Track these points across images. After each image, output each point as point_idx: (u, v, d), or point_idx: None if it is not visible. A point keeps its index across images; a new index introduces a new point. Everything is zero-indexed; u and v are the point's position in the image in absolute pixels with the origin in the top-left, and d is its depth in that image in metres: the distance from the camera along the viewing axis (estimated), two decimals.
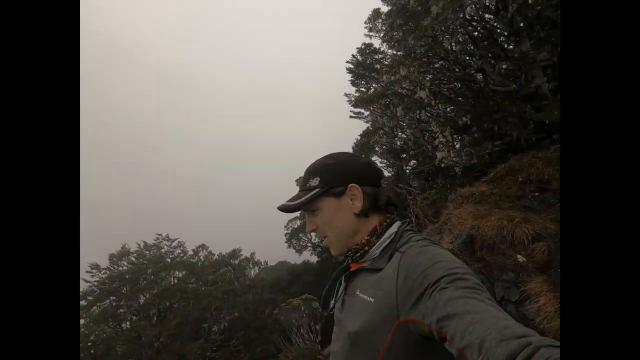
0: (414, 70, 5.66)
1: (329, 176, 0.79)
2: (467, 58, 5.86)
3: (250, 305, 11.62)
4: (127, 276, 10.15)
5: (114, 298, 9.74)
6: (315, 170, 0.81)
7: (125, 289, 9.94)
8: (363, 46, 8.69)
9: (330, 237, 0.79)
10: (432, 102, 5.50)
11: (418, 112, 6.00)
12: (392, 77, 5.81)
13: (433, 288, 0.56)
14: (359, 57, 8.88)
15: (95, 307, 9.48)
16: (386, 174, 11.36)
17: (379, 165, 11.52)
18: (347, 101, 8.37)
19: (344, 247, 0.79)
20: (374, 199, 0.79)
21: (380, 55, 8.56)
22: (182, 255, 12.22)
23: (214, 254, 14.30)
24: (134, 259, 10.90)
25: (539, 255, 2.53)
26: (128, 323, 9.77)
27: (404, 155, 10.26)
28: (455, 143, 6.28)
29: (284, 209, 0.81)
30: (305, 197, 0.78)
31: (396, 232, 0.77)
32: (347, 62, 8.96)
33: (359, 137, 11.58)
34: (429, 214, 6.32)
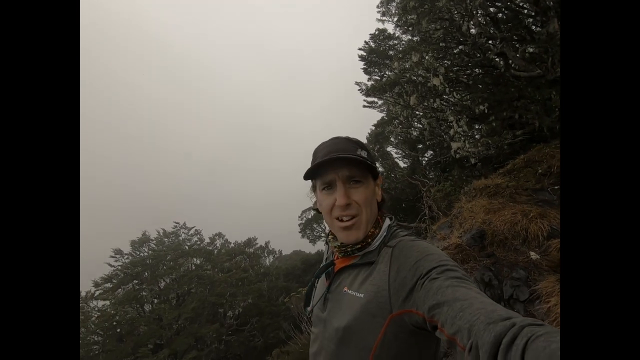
0: (430, 57, 5.37)
1: (371, 157, 0.75)
2: (488, 42, 5.48)
3: (264, 292, 11.94)
4: (148, 261, 10.68)
5: (137, 282, 10.30)
6: (361, 144, 0.75)
7: (146, 273, 10.48)
8: (376, 32, 8.35)
9: (363, 217, 0.71)
10: (447, 90, 5.22)
11: (432, 100, 5.73)
12: (405, 64, 5.56)
13: (424, 279, 0.56)
14: (371, 43, 8.56)
15: (120, 290, 10.07)
16: (401, 164, 11.09)
17: (394, 156, 11.29)
18: (359, 90, 8.15)
19: (366, 233, 0.72)
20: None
21: (395, 41, 8.21)
22: (199, 243, 12.67)
23: (230, 242, 14.74)
24: (154, 246, 11.43)
25: (554, 252, 2.37)
26: (150, 305, 10.34)
27: (420, 146, 9.94)
28: (472, 133, 5.98)
29: (343, 156, 0.68)
30: (369, 161, 0.72)
31: (389, 225, 0.77)
32: (360, 49, 8.67)
33: (373, 127, 11.32)
34: (442, 206, 6.11)
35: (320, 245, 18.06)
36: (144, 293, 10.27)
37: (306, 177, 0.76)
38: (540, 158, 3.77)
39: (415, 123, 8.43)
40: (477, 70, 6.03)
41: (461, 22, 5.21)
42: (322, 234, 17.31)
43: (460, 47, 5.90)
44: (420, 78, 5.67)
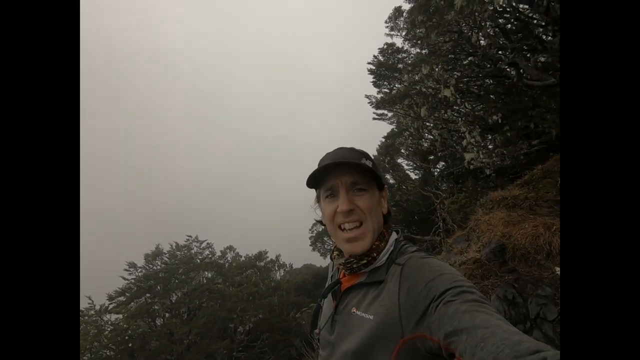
0: (439, 69, 5.39)
1: (377, 168, 0.74)
2: (499, 52, 5.46)
3: (275, 307, 11.75)
4: (160, 275, 10.75)
5: (149, 295, 10.35)
6: (365, 154, 0.74)
7: (159, 287, 10.53)
8: (385, 46, 8.48)
9: (368, 225, 0.69)
10: (458, 101, 5.19)
11: (443, 111, 5.69)
12: (415, 77, 5.58)
13: (438, 301, 0.52)
14: (380, 57, 8.68)
15: (132, 303, 10.13)
16: (413, 176, 10.96)
17: (405, 167, 11.18)
18: (369, 103, 8.22)
19: (371, 244, 0.70)
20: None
21: (403, 55, 8.30)
22: (210, 256, 12.71)
23: (241, 256, 14.71)
24: (167, 259, 11.53)
25: None
26: (161, 320, 10.33)
27: (432, 157, 9.83)
28: (486, 143, 5.87)
29: (347, 162, 0.67)
30: (374, 169, 0.71)
31: (396, 239, 0.73)
32: (369, 63, 8.80)
33: (383, 139, 11.31)
34: (457, 218, 5.95)
35: None
36: (156, 307, 10.28)
37: (309, 184, 0.74)
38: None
39: (426, 134, 8.37)
40: (488, 80, 5.99)
41: (470, 34, 5.23)
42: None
43: (470, 58, 5.91)
44: (430, 90, 5.67)
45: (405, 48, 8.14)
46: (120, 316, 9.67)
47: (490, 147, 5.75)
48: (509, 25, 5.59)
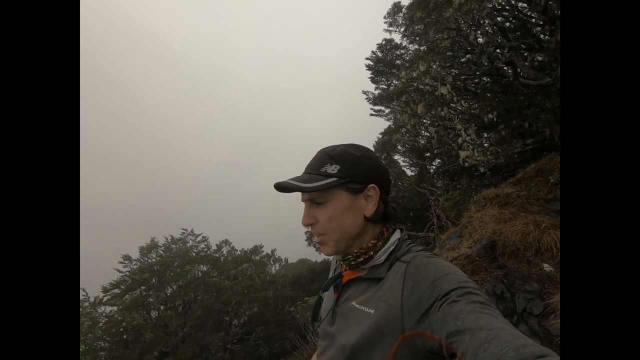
0: (437, 66, 5.39)
1: (352, 168, 0.69)
2: (496, 51, 5.47)
3: (270, 301, 11.85)
4: (155, 268, 10.76)
5: (144, 288, 10.36)
6: (336, 156, 0.70)
7: (154, 280, 10.54)
8: (383, 42, 8.44)
9: (331, 235, 0.69)
10: (455, 99, 5.21)
11: (440, 109, 5.72)
12: (413, 73, 5.59)
13: (442, 300, 0.52)
14: (378, 53, 8.64)
15: (127, 296, 10.14)
16: (409, 173, 11.02)
17: (402, 164, 11.22)
18: (366, 99, 8.19)
19: (341, 249, 0.71)
20: (385, 207, 0.74)
21: (402, 51, 8.28)
22: (205, 250, 12.73)
23: (237, 250, 14.75)
24: (162, 252, 11.52)
25: None
26: (156, 312, 10.36)
27: (428, 154, 9.87)
28: (482, 141, 5.92)
29: (288, 187, 0.66)
30: (322, 183, 0.66)
31: (399, 239, 0.73)
32: (367, 58, 8.76)
33: (380, 135, 11.32)
34: (451, 215, 6.02)
35: None
36: (151, 299, 10.30)
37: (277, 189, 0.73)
38: (552, 167, 3.70)
39: (423, 131, 8.40)
40: (485, 78, 6.01)
41: (468, 31, 5.23)
42: None
43: (467, 56, 5.91)
44: (427, 87, 5.68)
45: (403, 44, 8.11)
46: (115, 308, 9.69)
47: (485, 145, 5.80)
48: (507, 24, 5.59)
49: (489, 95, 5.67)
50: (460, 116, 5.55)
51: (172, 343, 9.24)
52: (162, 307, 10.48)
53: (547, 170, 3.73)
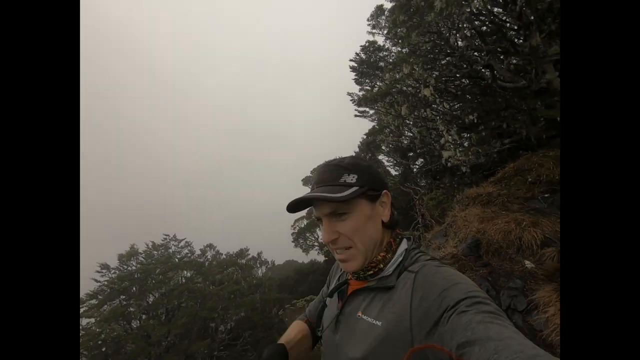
0: (419, 68, 5.51)
1: (368, 176, 0.70)
2: (474, 54, 5.67)
3: (257, 305, 11.67)
4: (136, 276, 10.31)
5: (124, 297, 9.91)
6: (349, 166, 0.70)
7: (134, 288, 10.10)
8: (367, 44, 8.54)
9: (358, 247, 0.67)
10: (437, 100, 5.35)
11: (423, 110, 5.85)
12: (396, 75, 5.68)
13: (452, 311, 0.52)
14: (362, 55, 8.73)
15: (105, 306, 9.66)
16: (393, 172, 11.21)
17: (386, 164, 11.40)
18: (351, 100, 8.24)
19: (367, 261, 0.68)
20: (393, 211, 0.74)
21: (385, 53, 8.40)
22: (189, 255, 12.36)
23: (222, 254, 14.43)
24: (142, 259, 11.07)
25: (548, 261, 2.40)
26: (137, 322, 9.94)
27: (411, 154, 10.09)
28: (463, 141, 6.11)
29: (316, 199, 0.64)
30: (350, 192, 0.65)
31: (406, 249, 0.72)
32: (351, 60, 8.83)
33: (364, 136, 11.44)
34: (436, 214, 6.18)
35: (314, 255, 17.88)
36: (132, 309, 9.86)
37: (289, 210, 0.71)
38: (530, 166, 3.86)
39: (406, 132, 8.57)
40: (465, 81, 6.21)
41: (448, 35, 5.38)
42: (315, 243, 17.18)
43: (448, 58, 6.08)
44: (410, 89, 5.79)
45: (386, 46, 8.24)
46: (93, 320, 9.20)
47: (466, 145, 5.99)
48: (484, 28, 5.81)
49: (469, 97, 5.86)
50: (442, 117, 5.69)
51: (155, 353, 8.89)
52: (143, 317, 10.06)
53: (525, 169, 3.89)
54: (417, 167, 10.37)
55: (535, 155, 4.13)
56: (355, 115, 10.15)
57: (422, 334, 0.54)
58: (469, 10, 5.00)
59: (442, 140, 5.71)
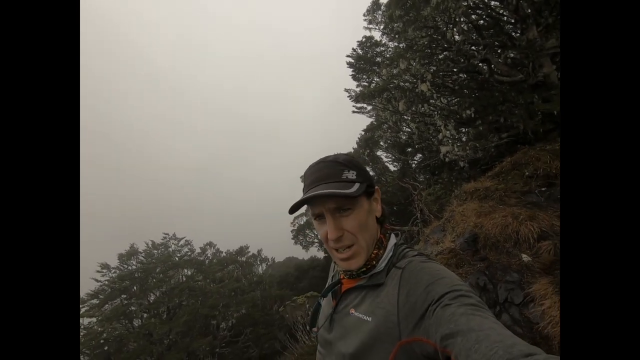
0: (416, 63, 5.49)
1: (365, 173, 0.71)
2: (471, 48, 5.65)
3: (258, 302, 11.73)
4: (136, 275, 10.34)
5: (125, 296, 9.95)
6: (348, 163, 0.70)
7: (135, 287, 10.14)
8: (364, 39, 8.49)
9: (362, 243, 0.67)
10: (434, 95, 5.34)
11: (420, 105, 5.84)
12: (393, 71, 5.66)
13: (436, 305, 0.53)
14: (359, 50, 8.69)
15: (107, 306, 9.70)
16: (392, 168, 11.22)
17: (385, 160, 11.41)
18: (348, 96, 8.23)
19: (367, 258, 0.69)
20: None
21: (382, 48, 8.36)
22: (189, 253, 12.39)
23: (222, 252, 14.47)
24: (142, 259, 11.10)
25: (545, 254, 2.42)
26: (139, 320, 9.99)
27: (410, 150, 10.09)
28: (460, 136, 6.11)
29: (327, 195, 0.63)
30: (357, 187, 0.65)
31: (395, 244, 0.73)
32: (348, 56, 8.78)
33: (362, 132, 11.43)
34: (434, 209, 6.19)
35: (314, 251, 17.95)
36: (133, 308, 9.91)
37: (292, 211, 0.69)
38: (527, 161, 3.88)
39: (404, 127, 8.56)
40: (462, 75, 6.20)
41: (445, 29, 5.36)
42: (315, 240, 17.24)
43: (445, 53, 6.06)
44: (408, 84, 5.77)
45: (383, 42, 8.19)
46: (94, 319, 9.24)
47: (463, 140, 5.99)
48: (481, 22, 5.78)
49: (466, 91, 5.85)
50: (439, 112, 5.69)
51: (157, 351, 8.95)
52: (145, 315, 10.11)
53: (522, 163, 3.90)
54: (415, 162, 10.38)
55: (532, 149, 4.14)
56: (353, 112, 10.14)
57: (409, 328, 0.56)
58: (465, 4, 4.98)
59: (440, 136, 5.71)
